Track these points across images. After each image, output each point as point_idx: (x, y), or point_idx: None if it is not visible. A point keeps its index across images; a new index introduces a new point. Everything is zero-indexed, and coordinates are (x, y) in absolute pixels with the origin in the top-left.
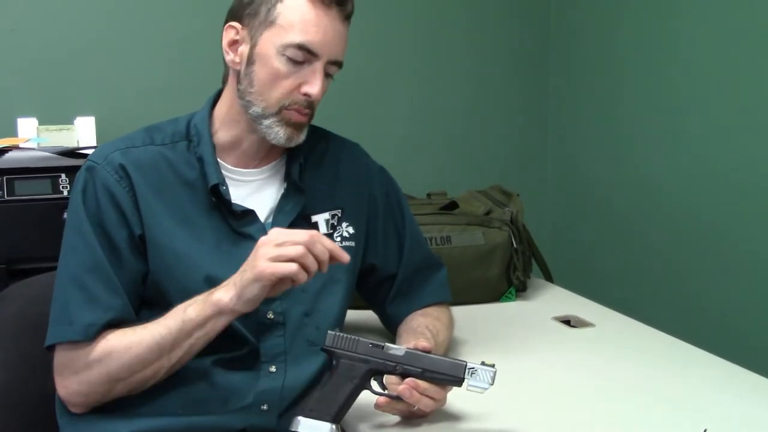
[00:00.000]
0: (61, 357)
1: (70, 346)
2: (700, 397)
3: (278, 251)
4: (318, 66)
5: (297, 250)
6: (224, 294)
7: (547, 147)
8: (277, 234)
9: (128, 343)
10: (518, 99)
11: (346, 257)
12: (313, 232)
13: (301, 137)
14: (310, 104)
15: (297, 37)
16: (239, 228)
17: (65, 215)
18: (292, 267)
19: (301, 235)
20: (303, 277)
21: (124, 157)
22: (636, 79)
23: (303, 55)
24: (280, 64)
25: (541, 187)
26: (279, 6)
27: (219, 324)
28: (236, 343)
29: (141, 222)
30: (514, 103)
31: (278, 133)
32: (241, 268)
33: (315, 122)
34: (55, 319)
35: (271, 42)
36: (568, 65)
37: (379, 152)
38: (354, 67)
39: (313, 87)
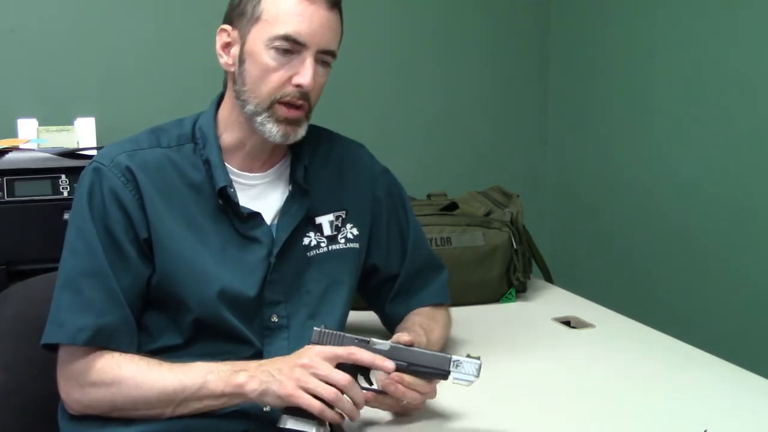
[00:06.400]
0: (66, 362)
1: (74, 353)
2: (700, 397)
3: (313, 385)
4: (307, 55)
5: (329, 394)
6: (249, 382)
7: (547, 148)
8: (320, 364)
9: (139, 382)
10: (518, 100)
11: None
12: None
13: (299, 133)
14: (304, 95)
15: (282, 29)
16: (246, 231)
17: (66, 215)
18: (315, 405)
19: (343, 378)
20: (326, 414)
21: (130, 160)
22: (636, 80)
23: (290, 45)
24: (269, 58)
25: (541, 187)
26: (263, 2)
27: (233, 402)
28: (242, 346)
29: (148, 225)
30: (514, 104)
31: (271, 130)
32: (276, 367)
33: (318, 123)
34: (50, 319)
35: (258, 38)
36: (568, 66)
37: (379, 153)
38: (354, 69)
39: (304, 77)
